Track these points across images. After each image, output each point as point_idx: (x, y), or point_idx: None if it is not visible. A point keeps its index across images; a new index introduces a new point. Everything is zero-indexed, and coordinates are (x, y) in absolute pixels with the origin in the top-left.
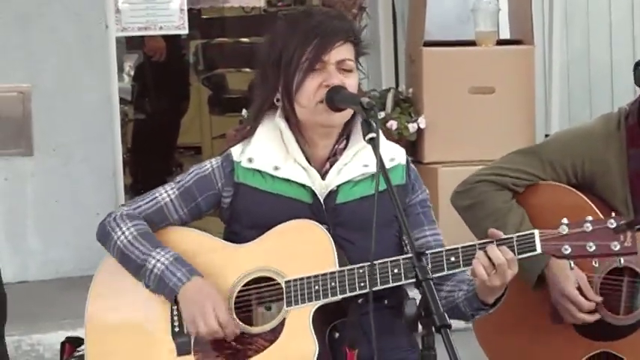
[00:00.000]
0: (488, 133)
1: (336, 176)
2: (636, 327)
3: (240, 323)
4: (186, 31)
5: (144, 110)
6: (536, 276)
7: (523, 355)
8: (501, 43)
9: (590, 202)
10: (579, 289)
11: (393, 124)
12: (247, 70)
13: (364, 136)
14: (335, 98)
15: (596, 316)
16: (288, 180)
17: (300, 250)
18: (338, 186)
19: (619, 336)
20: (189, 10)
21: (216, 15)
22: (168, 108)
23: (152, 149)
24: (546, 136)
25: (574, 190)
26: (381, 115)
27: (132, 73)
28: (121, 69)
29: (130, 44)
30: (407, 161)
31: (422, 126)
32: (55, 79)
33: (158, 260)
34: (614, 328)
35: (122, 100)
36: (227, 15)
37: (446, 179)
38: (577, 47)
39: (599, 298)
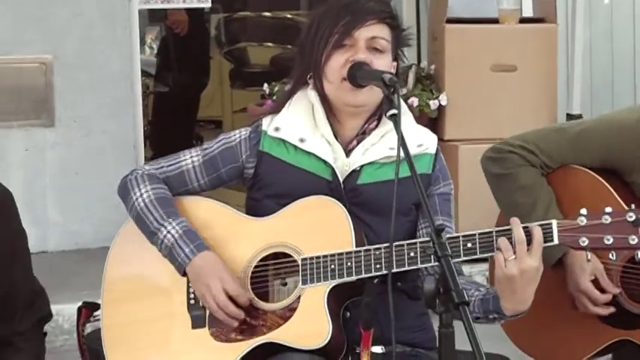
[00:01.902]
0: (509, 111)
1: (361, 156)
2: None
3: (255, 299)
4: (209, 5)
5: (166, 83)
6: (554, 260)
7: (543, 336)
8: (524, 21)
9: (613, 192)
10: (596, 280)
11: (414, 101)
12: (269, 44)
13: (385, 112)
14: (357, 74)
15: (610, 310)
16: (311, 154)
17: (318, 228)
18: (361, 166)
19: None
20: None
21: None
22: (189, 81)
23: (173, 122)
24: (568, 115)
25: (599, 177)
26: (403, 91)
27: (154, 45)
28: (143, 41)
29: (152, 17)
30: (437, 151)
31: (443, 103)
32: (77, 50)
33: (169, 232)
34: (634, 317)
35: (144, 73)
36: None
37: (466, 156)
38: (600, 26)
39: (617, 290)
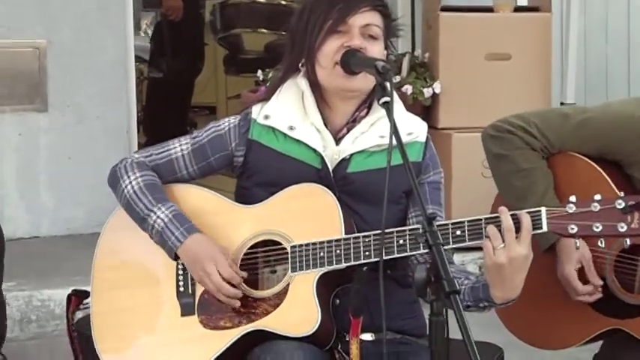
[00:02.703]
0: (503, 100)
1: (351, 144)
2: None
3: (245, 286)
4: None
5: (160, 69)
6: (547, 245)
7: (536, 321)
8: (519, 9)
9: (611, 182)
10: (582, 269)
11: (408, 89)
12: (264, 30)
13: (378, 100)
14: (350, 61)
15: (595, 297)
16: (300, 142)
17: (308, 215)
18: (351, 155)
19: (633, 314)
20: None
21: None
22: (183, 67)
23: (167, 108)
24: (562, 104)
25: (597, 166)
26: (397, 79)
27: (149, 31)
28: (137, 27)
29: (146, 2)
30: (427, 139)
31: (437, 91)
32: (72, 35)
33: (158, 217)
34: (627, 306)
35: (138, 59)
36: None
37: (460, 145)
38: (595, 15)
39: (599, 282)
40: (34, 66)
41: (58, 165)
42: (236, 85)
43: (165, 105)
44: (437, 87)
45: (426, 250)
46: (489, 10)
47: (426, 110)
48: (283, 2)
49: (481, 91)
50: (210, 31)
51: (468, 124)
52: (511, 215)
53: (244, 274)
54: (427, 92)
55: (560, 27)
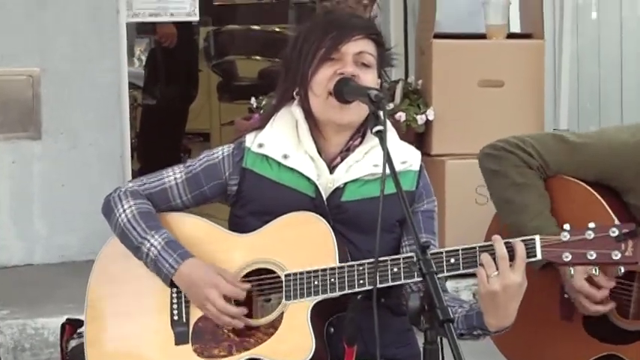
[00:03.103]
0: (496, 127)
1: (345, 173)
2: None
3: (243, 309)
4: (197, 18)
5: (153, 95)
6: (541, 264)
7: (531, 348)
8: (512, 36)
9: (609, 209)
10: (590, 279)
11: (401, 116)
12: (257, 57)
13: (371, 129)
14: (343, 89)
15: (611, 305)
16: (294, 170)
17: (302, 243)
18: (345, 183)
19: (628, 341)
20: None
21: (228, 2)
22: (177, 94)
23: (161, 134)
24: (554, 130)
25: (595, 193)
26: (390, 106)
27: (142, 57)
28: (131, 53)
29: (140, 29)
30: (420, 168)
31: (430, 118)
32: (65, 63)
33: (152, 244)
34: (623, 332)
35: (132, 85)
36: (239, 2)
37: (453, 172)
38: (587, 42)
39: (612, 283)
40: (27, 94)
41: (52, 192)
42: (230, 112)
43: (159, 132)
44: (430, 114)
45: (420, 279)
46: (482, 36)
47: (419, 137)
48: (277, 29)
49: (474, 118)
50: (204, 57)
51: (461, 151)
52: (505, 243)
53: (247, 285)
54: (420, 119)
55: (553, 53)
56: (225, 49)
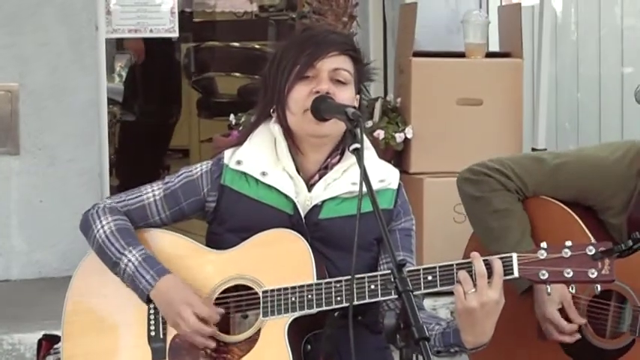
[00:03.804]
0: (475, 145)
1: (323, 191)
2: (622, 352)
3: (216, 331)
4: (176, 35)
5: (133, 111)
6: (524, 288)
7: None
8: (490, 55)
9: (585, 228)
10: (562, 309)
11: (380, 134)
12: (237, 74)
13: (349, 147)
14: (320, 107)
15: (576, 337)
16: (272, 188)
17: (280, 260)
18: (323, 201)
19: (605, 359)
20: (181, 13)
21: (207, 18)
22: (157, 110)
23: (140, 151)
24: (534, 150)
25: (572, 212)
26: (369, 124)
27: (123, 73)
28: (111, 69)
29: (121, 44)
30: (399, 186)
31: (409, 136)
32: (44, 79)
33: (129, 260)
34: (600, 351)
35: (112, 101)
36: (219, 19)
37: (431, 190)
38: (566, 61)
39: (583, 320)
40: (5, 109)
41: (30, 208)
42: (209, 128)
43: (139, 148)
44: (409, 132)
45: (397, 296)
46: (461, 55)
47: (397, 155)
48: (257, 46)
49: (453, 136)
50: (184, 74)
51: (439, 169)
52: (483, 260)
53: (221, 310)
54: (399, 137)
55: (532, 73)
56: (204, 66)
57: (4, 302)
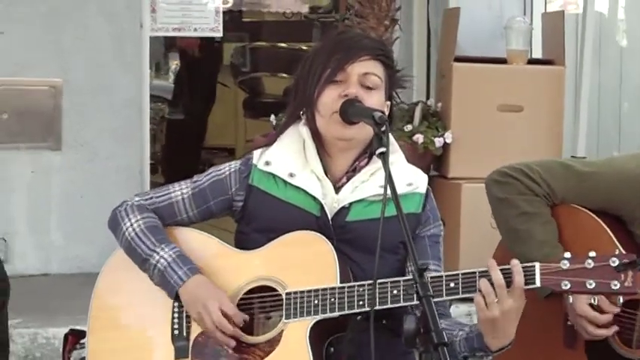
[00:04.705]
0: (514, 152)
1: (350, 193)
2: None
3: (239, 331)
4: (220, 34)
5: (177, 109)
6: (547, 292)
7: None
8: (533, 62)
9: (614, 238)
10: (592, 304)
11: (419, 138)
12: (284, 74)
13: (375, 150)
14: (348, 111)
15: (614, 329)
16: (300, 189)
17: (305, 263)
18: (350, 203)
19: None
20: (230, 12)
21: (256, 18)
22: (198, 108)
23: (183, 148)
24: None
25: (601, 222)
26: (409, 128)
27: (176, 71)
28: (167, 67)
29: (172, 42)
30: (427, 191)
31: (448, 141)
32: (87, 75)
33: (162, 257)
34: None
35: (161, 99)
36: (267, 19)
37: (469, 195)
38: (610, 71)
39: (617, 309)
40: (49, 105)
41: (70, 203)
42: (255, 128)
43: (185, 145)
44: (448, 137)
45: (418, 301)
46: (503, 61)
47: (436, 159)
48: (303, 47)
49: (492, 142)
50: (230, 74)
51: (478, 175)
52: (502, 270)
53: (245, 316)
54: (438, 142)
55: (574, 81)
56: (252, 66)
57: (42, 296)
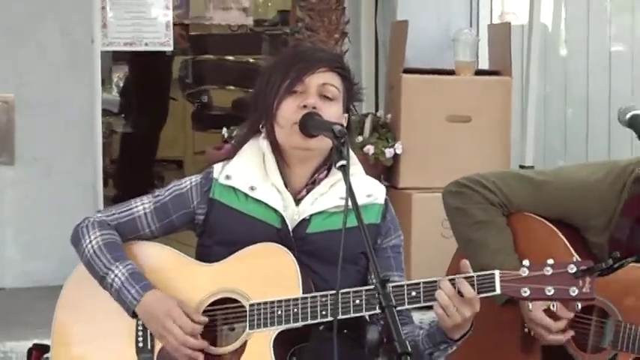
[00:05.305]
0: (463, 161)
1: (310, 205)
2: None
3: (205, 342)
4: (171, 48)
5: (128, 123)
6: (503, 300)
7: None
8: (480, 73)
9: (569, 246)
10: (548, 310)
11: (370, 149)
12: (231, 87)
13: (335, 163)
14: (308, 124)
15: (569, 334)
16: (261, 202)
17: (267, 274)
18: (310, 215)
19: None
20: (176, 26)
21: (203, 32)
22: (150, 122)
23: (135, 162)
24: (521, 167)
25: (556, 229)
26: (359, 139)
27: (120, 84)
28: (110, 80)
29: (118, 57)
30: (386, 202)
31: (398, 152)
32: (40, 90)
33: (116, 275)
34: None
35: (108, 112)
36: (214, 32)
37: (420, 205)
38: (555, 80)
39: (571, 314)
40: (2, 120)
41: (24, 218)
42: (203, 141)
43: (134, 158)
44: (398, 147)
45: (380, 311)
46: (451, 72)
47: (387, 170)
48: (251, 60)
49: (442, 152)
50: (178, 87)
51: (428, 185)
52: (450, 280)
53: (205, 319)
54: (389, 152)
55: (521, 91)
56: (199, 79)
57: None
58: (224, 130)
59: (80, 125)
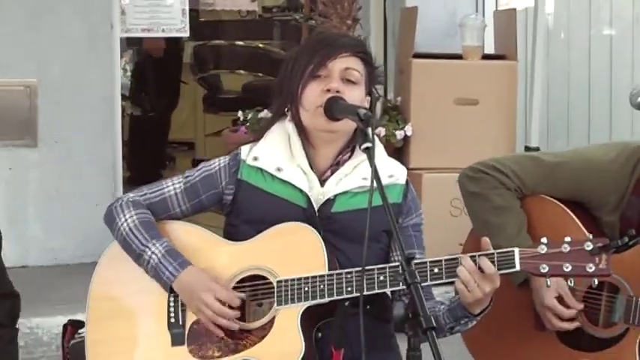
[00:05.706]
0: (471, 142)
1: (335, 186)
2: (617, 340)
3: (237, 313)
4: (187, 34)
5: (140, 106)
6: (522, 279)
7: (506, 356)
8: (486, 57)
9: (581, 225)
10: (560, 297)
11: (381, 131)
12: (241, 71)
13: (360, 145)
14: (333, 108)
15: (575, 324)
16: (287, 182)
17: (294, 252)
18: (335, 195)
19: (600, 347)
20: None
21: (213, 18)
22: (163, 105)
23: (147, 144)
24: (527, 148)
25: (568, 210)
26: None
27: (127, 67)
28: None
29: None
30: (407, 182)
31: (408, 133)
32: (61, 74)
33: (153, 252)
34: (595, 340)
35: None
36: (224, 18)
37: (429, 184)
38: (558, 64)
39: (580, 306)
40: (25, 103)
41: (46, 198)
42: (214, 123)
43: (146, 141)
44: (408, 129)
45: (404, 287)
46: (459, 57)
47: (397, 151)
48: (260, 45)
49: (450, 134)
50: (189, 71)
51: (437, 165)
52: (472, 257)
53: (241, 295)
54: (399, 134)
55: (525, 74)
56: (210, 63)
57: (22, 287)
58: (240, 112)
59: (99, 108)
